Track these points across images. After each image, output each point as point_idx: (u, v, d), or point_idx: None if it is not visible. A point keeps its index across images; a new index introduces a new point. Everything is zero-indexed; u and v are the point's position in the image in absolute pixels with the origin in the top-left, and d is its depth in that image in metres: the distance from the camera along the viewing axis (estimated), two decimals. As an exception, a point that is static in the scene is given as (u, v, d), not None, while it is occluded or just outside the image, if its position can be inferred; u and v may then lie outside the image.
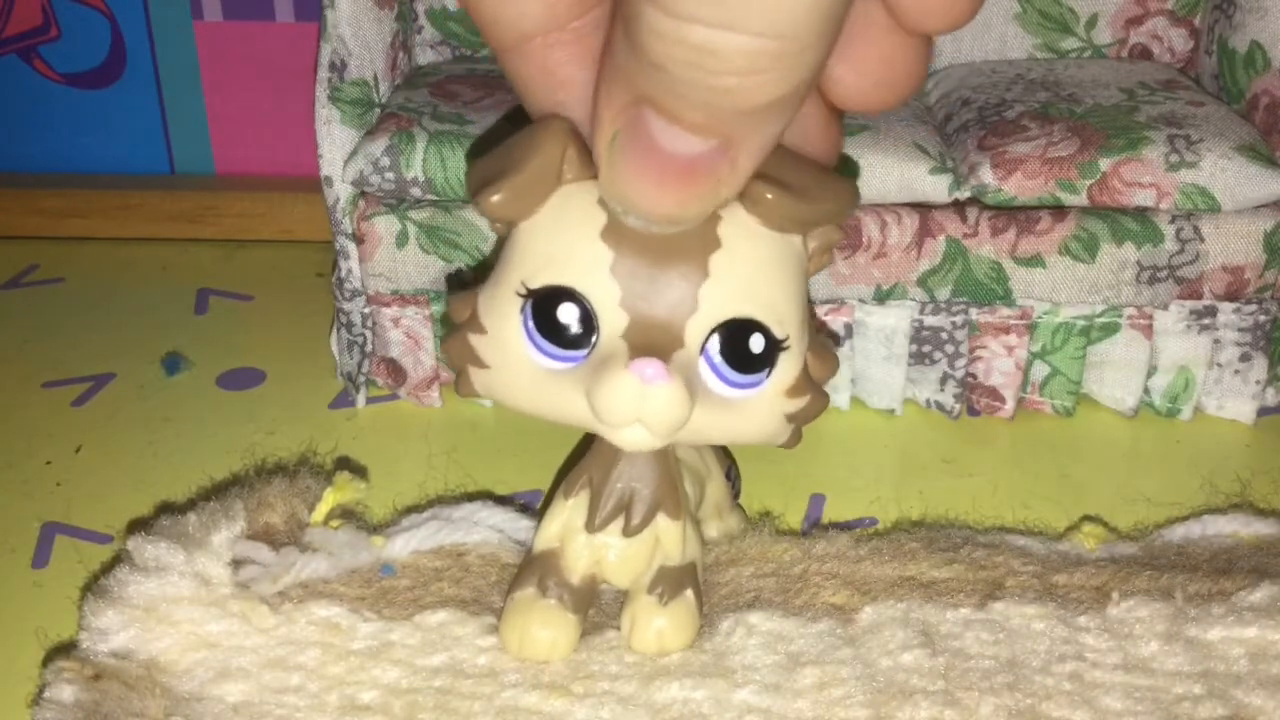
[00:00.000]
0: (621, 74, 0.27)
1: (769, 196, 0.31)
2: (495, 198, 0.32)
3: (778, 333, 0.33)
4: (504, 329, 0.33)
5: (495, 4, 0.29)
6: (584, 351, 0.33)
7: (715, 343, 0.33)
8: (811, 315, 0.35)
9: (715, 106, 0.26)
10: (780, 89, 0.26)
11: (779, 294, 0.33)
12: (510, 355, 0.33)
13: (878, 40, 0.29)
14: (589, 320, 0.32)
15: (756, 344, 0.33)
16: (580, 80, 0.30)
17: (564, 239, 0.32)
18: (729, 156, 0.28)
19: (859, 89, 0.30)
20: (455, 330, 0.35)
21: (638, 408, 0.32)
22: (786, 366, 0.34)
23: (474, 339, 0.34)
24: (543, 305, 0.33)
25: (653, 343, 0.32)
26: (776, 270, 0.33)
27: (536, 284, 0.33)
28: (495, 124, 0.51)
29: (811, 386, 0.35)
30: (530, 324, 0.33)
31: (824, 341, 0.35)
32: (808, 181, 0.32)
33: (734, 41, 0.24)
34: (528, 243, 0.33)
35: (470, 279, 0.51)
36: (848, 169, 0.49)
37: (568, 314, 0.32)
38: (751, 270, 0.32)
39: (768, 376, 0.33)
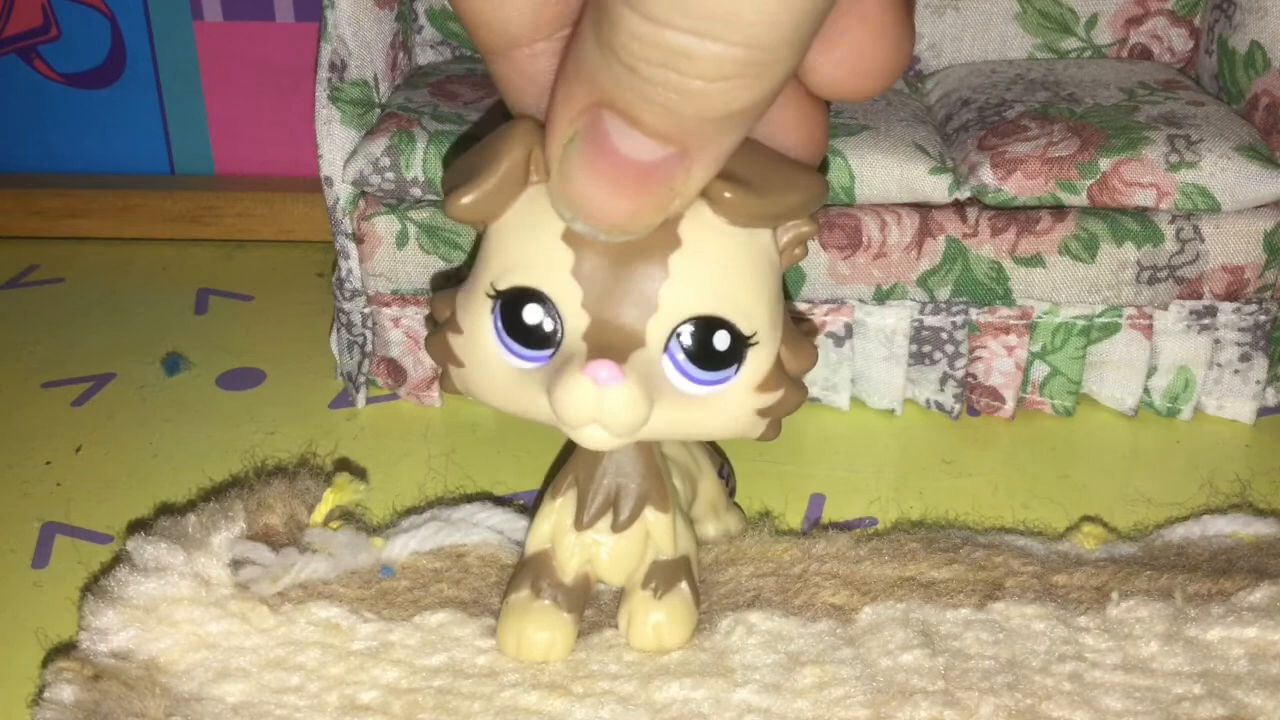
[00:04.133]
0: (585, 74, 0.27)
1: (728, 195, 0.31)
2: (463, 200, 0.32)
3: (744, 329, 0.33)
4: (477, 329, 0.34)
5: (482, 10, 0.29)
6: (550, 352, 0.33)
7: (679, 341, 0.33)
8: (790, 309, 0.35)
9: (679, 112, 0.26)
10: (747, 98, 0.26)
11: (744, 290, 0.33)
12: (484, 355, 0.34)
13: (852, 28, 0.29)
14: (555, 321, 0.33)
15: (721, 341, 0.33)
16: None
17: (529, 240, 0.32)
18: (684, 165, 0.28)
19: (835, 77, 0.30)
20: (437, 329, 0.35)
21: (594, 409, 0.32)
22: (756, 362, 0.33)
23: (452, 338, 0.34)
24: (510, 306, 0.33)
25: (612, 343, 0.32)
26: (741, 266, 0.33)
27: (504, 285, 0.33)
28: (479, 120, 0.51)
29: (786, 381, 0.34)
30: (499, 325, 0.33)
31: (801, 335, 0.35)
32: (770, 176, 0.32)
33: (710, 49, 0.24)
34: (496, 244, 0.33)
35: (465, 277, 0.51)
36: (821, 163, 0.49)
37: (533, 315, 0.33)
38: (714, 268, 0.32)
39: (736, 372, 0.33)
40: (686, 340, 0.32)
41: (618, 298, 0.32)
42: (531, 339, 0.33)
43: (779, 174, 0.32)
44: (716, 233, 0.32)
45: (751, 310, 0.33)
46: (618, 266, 0.32)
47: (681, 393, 0.33)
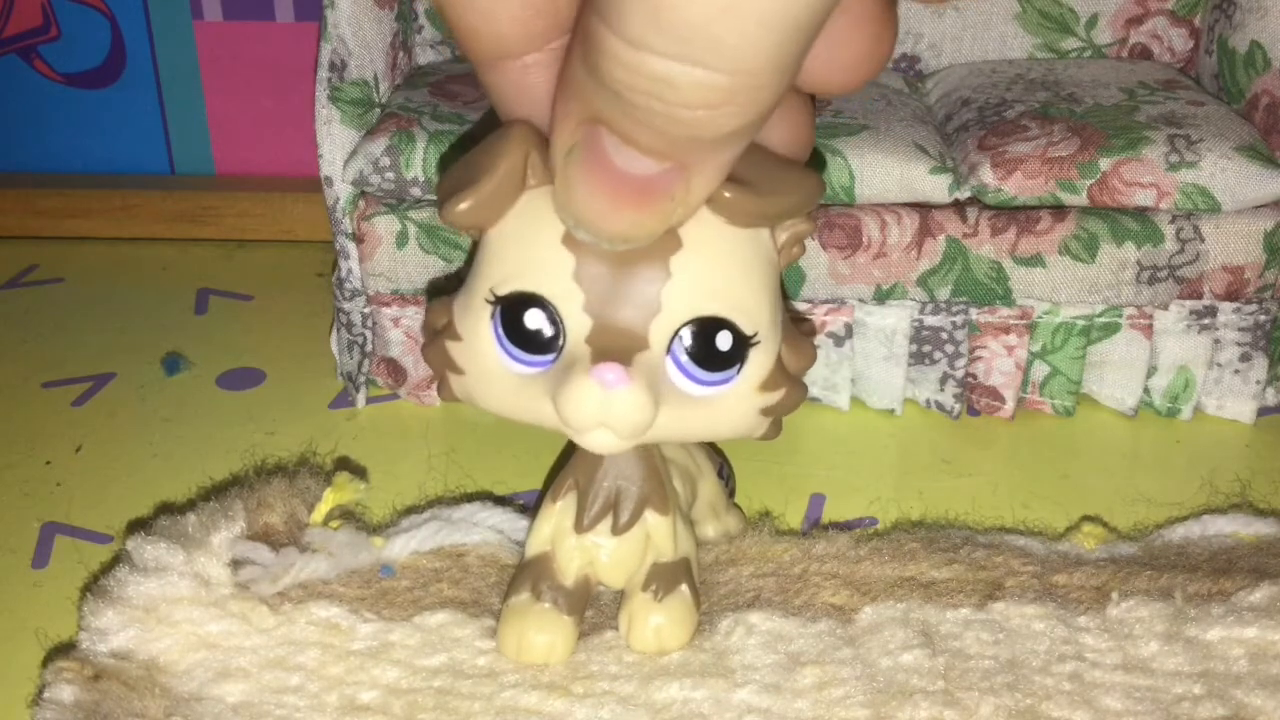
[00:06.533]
0: (578, 92, 0.27)
1: (727, 195, 0.31)
2: (460, 206, 0.32)
3: (746, 329, 0.33)
4: (477, 336, 0.33)
5: (475, 22, 0.29)
6: (552, 356, 0.33)
7: (682, 342, 0.33)
8: (789, 309, 0.35)
9: (670, 135, 0.26)
10: (736, 123, 0.25)
11: (745, 290, 0.33)
12: (484, 361, 0.34)
13: (833, 20, 0.28)
14: (556, 325, 0.32)
15: (724, 341, 0.33)
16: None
17: (528, 245, 0.32)
18: (683, 178, 0.28)
19: (815, 70, 0.29)
20: (434, 337, 0.35)
21: (601, 412, 0.32)
22: (758, 362, 0.34)
23: (450, 345, 0.34)
24: (510, 312, 0.33)
25: (615, 346, 0.32)
26: (742, 267, 0.33)
27: (504, 291, 0.33)
28: (479, 120, 0.51)
29: (787, 379, 0.34)
30: (500, 330, 0.33)
31: (799, 333, 0.35)
32: (768, 175, 0.32)
33: (693, 75, 0.24)
34: (495, 250, 0.33)
35: (444, 286, 0.51)
36: (815, 162, 0.49)
37: (535, 320, 0.32)
38: (715, 268, 0.32)
39: (739, 373, 0.33)
40: (688, 341, 0.32)
41: (620, 300, 0.32)
42: (533, 344, 0.33)
43: (776, 173, 0.32)
44: (716, 233, 0.32)
45: (752, 310, 0.33)
46: (619, 269, 0.32)
47: (685, 394, 0.33)
